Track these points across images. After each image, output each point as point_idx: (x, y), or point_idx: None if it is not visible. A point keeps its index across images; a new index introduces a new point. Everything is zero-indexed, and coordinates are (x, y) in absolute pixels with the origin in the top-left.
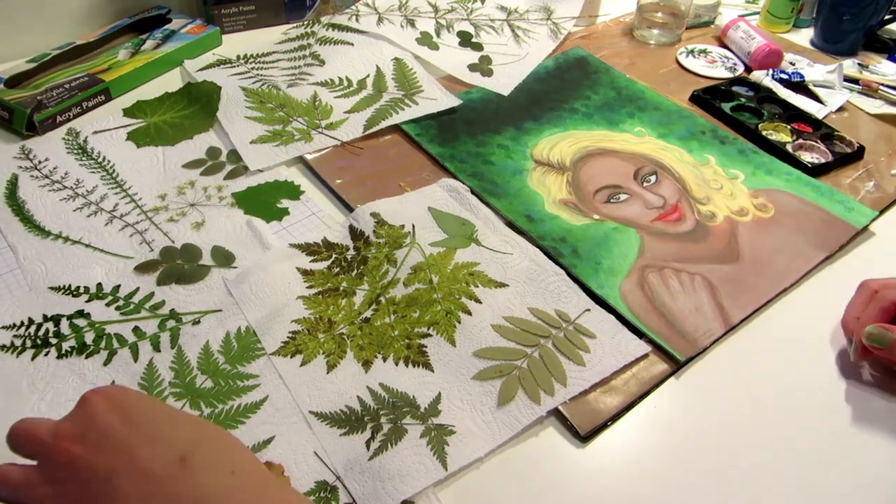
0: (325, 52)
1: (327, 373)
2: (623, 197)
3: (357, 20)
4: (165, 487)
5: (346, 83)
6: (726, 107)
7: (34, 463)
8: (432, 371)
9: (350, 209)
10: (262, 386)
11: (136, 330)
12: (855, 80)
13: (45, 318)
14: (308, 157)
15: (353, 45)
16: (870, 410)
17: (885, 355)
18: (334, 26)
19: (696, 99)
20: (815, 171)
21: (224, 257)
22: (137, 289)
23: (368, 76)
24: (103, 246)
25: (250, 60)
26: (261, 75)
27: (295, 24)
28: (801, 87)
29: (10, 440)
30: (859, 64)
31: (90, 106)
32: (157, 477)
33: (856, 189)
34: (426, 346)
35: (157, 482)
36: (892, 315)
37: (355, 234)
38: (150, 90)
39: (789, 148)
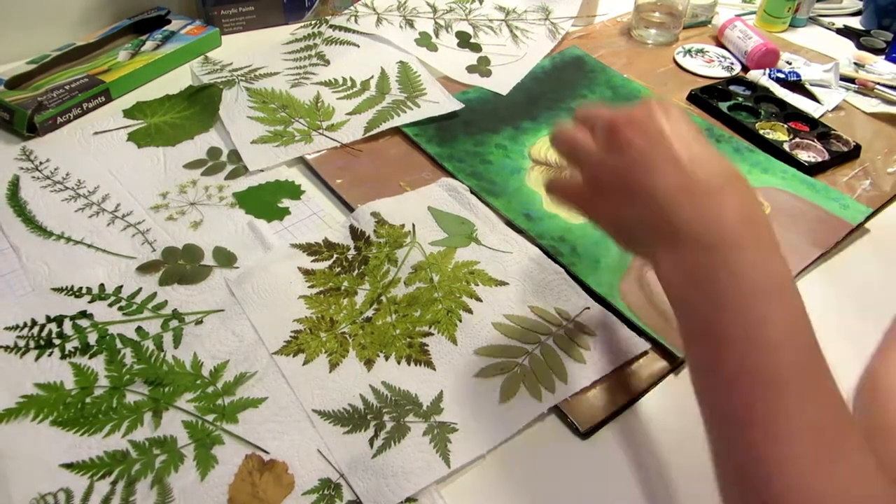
0: (330, 52)
1: (330, 372)
2: None
3: (356, 21)
4: (695, 205)
5: (349, 83)
6: (723, 106)
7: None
8: (434, 369)
9: (350, 209)
10: (265, 385)
11: (139, 330)
12: (851, 80)
13: (48, 319)
14: (308, 157)
15: (358, 46)
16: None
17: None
18: (340, 27)
19: (693, 98)
20: (812, 169)
21: (226, 257)
22: (140, 289)
23: (372, 77)
24: (105, 246)
25: (254, 72)
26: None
27: (302, 24)
28: (797, 86)
29: (577, 115)
30: (855, 63)
31: (90, 107)
32: (690, 192)
33: (852, 187)
34: (428, 345)
35: (690, 196)
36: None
37: (356, 233)
38: (151, 91)
39: (786, 147)
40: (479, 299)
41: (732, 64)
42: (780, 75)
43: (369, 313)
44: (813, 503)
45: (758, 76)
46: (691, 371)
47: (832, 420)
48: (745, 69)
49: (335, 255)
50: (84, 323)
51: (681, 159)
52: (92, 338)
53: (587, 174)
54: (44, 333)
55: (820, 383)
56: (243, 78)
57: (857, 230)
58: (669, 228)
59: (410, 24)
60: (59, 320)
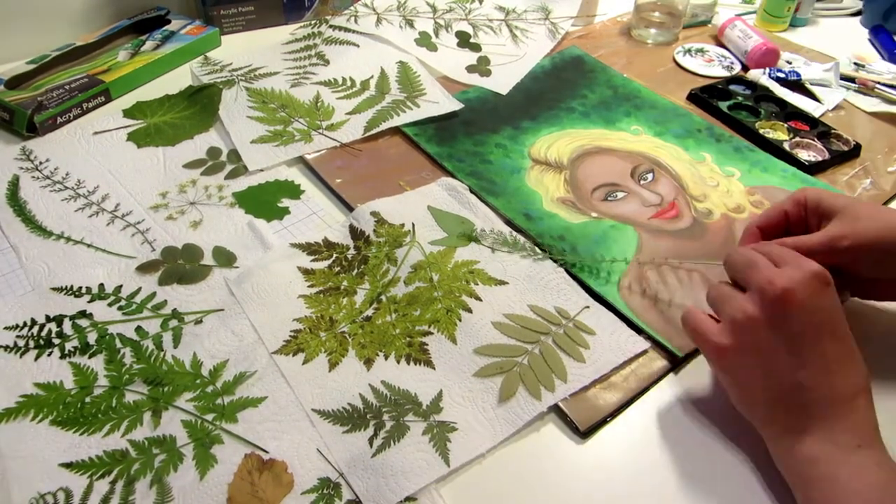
0: (330, 52)
1: (329, 371)
2: (620, 195)
3: (356, 21)
4: (829, 405)
5: (349, 83)
6: (723, 105)
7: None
8: (434, 368)
9: (350, 208)
10: (265, 384)
11: (138, 330)
12: (851, 79)
13: (48, 319)
14: (308, 156)
15: (358, 46)
16: None
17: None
18: (340, 27)
19: (693, 98)
20: (812, 168)
21: (225, 257)
22: (139, 289)
23: (372, 77)
24: (105, 246)
25: (254, 72)
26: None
27: (302, 24)
28: (797, 85)
29: (727, 261)
30: (856, 63)
31: (90, 107)
32: (832, 389)
33: (853, 187)
34: (427, 344)
35: (829, 396)
36: (758, 240)
37: (356, 233)
38: (150, 91)
39: (786, 146)
40: (478, 298)
41: (732, 63)
42: (781, 75)
43: (369, 312)
44: None
45: (758, 76)
46: None
47: None
48: (745, 69)
49: (335, 255)
50: (84, 323)
51: (833, 357)
52: (91, 337)
53: (732, 324)
54: (43, 333)
55: None
56: (243, 78)
57: None
58: (806, 416)
59: (410, 23)
60: (58, 320)
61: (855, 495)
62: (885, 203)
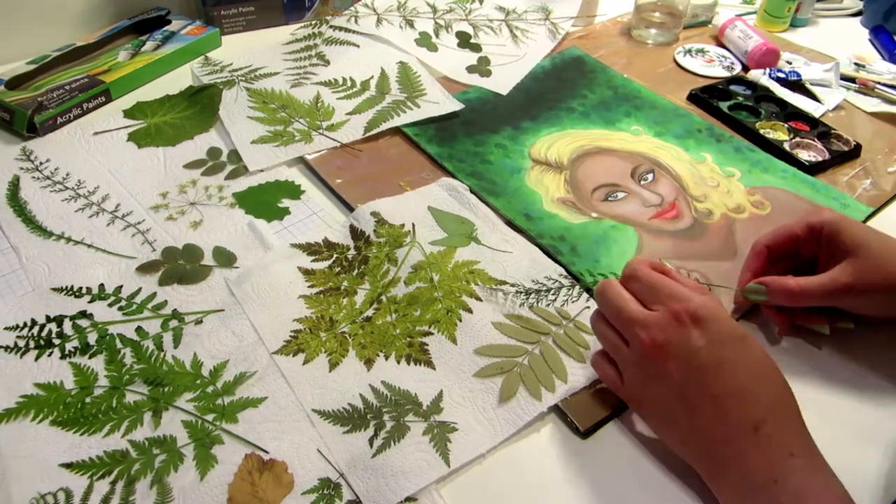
0: (330, 52)
1: (329, 371)
2: (620, 195)
3: (356, 21)
4: (734, 446)
5: (349, 83)
6: (724, 106)
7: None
8: (434, 369)
9: (350, 209)
10: (265, 384)
11: (139, 330)
12: (851, 79)
13: (48, 319)
14: (308, 157)
15: (358, 46)
16: (863, 391)
17: (769, 305)
18: (340, 27)
19: (693, 98)
20: (812, 168)
21: (225, 257)
22: (140, 289)
23: (372, 77)
24: (105, 246)
25: (254, 72)
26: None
27: (303, 25)
28: (798, 85)
29: (598, 295)
30: (856, 63)
31: (90, 107)
32: (729, 428)
33: (853, 187)
34: (427, 345)
35: (726, 437)
36: (765, 260)
37: (356, 233)
38: (151, 91)
39: (786, 146)
40: (478, 299)
41: (733, 64)
42: (781, 75)
43: (369, 313)
44: None
45: (758, 76)
46: None
47: None
48: (746, 69)
49: (335, 255)
50: (84, 323)
51: (722, 396)
52: (92, 338)
53: (629, 381)
54: (44, 333)
55: None
56: (243, 78)
57: None
58: (711, 464)
59: (410, 24)
60: (58, 320)
61: None
62: (886, 203)
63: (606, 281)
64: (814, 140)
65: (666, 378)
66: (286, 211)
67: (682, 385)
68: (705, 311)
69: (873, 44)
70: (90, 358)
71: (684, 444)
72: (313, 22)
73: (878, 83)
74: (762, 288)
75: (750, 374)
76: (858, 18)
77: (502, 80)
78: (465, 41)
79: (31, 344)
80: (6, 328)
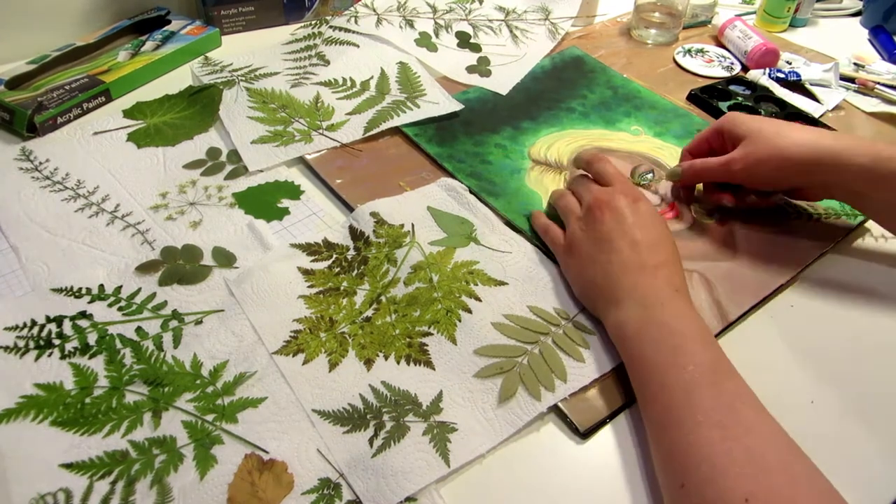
0: (330, 53)
1: (329, 371)
2: None
3: (356, 21)
4: (641, 276)
5: (349, 83)
6: (723, 106)
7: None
8: (433, 369)
9: (350, 209)
10: (265, 384)
11: (138, 330)
12: (851, 79)
13: (48, 319)
14: (308, 157)
15: (358, 46)
16: (862, 396)
17: (680, 185)
18: (340, 28)
19: (693, 98)
20: None
21: (225, 258)
22: (139, 289)
23: (372, 77)
24: (105, 247)
25: (254, 72)
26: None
27: (302, 25)
28: (797, 85)
29: (578, 162)
30: (855, 63)
31: (90, 107)
32: (638, 267)
33: None
34: (427, 345)
35: (638, 270)
36: (710, 145)
37: (355, 233)
38: (150, 91)
39: None
40: (478, 299)
41: (732, 64)
42: (780, 75)
43: (369, 313)
44: (720, 472)
45: (758, 76)
46: (635, 390)
47: (733, 415)
48: (745, 69)
49: (335, 255)
50: (84, 323)
51: (638, 243)
52: (91, 338)
53: (568, 232)
54: (43, 334)
55: (723, 388)
56: (243, 78)
57: (857, 230)
58: (620, 292)
59: (410, 24)
60: (58, 320)
61: (653, 344)
62: None
63: (592, 154)
64: None
65: (601, 224)
66: (286, 211)
67: (611, 230)
68: (641, 195)
69: (873, 44)
70: (90, 358)
71: (594, 278)
72: (313, 22)
73: (878, 83)
74: (678, 169)
75: (659, 235)
76: (858, 18)
77: (502, 80)
78: (464, 41)
79: (31, 344)
80: (6, 328)
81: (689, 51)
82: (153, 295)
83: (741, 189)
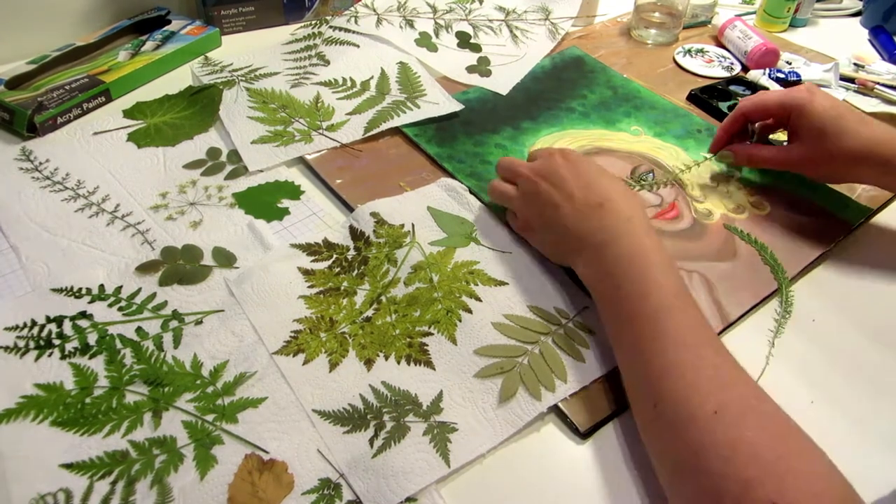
0: (330, 53)
1: (329, 371)
2: None
3: (356, 21)
4: (588, 220)
5: (349, 83)
6: (723, 106)
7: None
8: (434, 369)
9: (350, 209)
10: (265, 385)
11: (139, 330)
12: (851, 80)
13: (48, 320)
14: (308, 157)
15: (358, 46)
16: (862, 396)
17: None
18: (340, 28)
19: (693, 98)
20: None
21: (225, 258)
22: (139, 289)
23: (372, 78)
24: (105, 247)
25: (254, 72)
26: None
27: (303, 25)
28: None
29: (499, 167)
30: (855, 63)
31: (90, 107)
32: (583, 213)
33: (852, 187)
34: (427, 345)
35: (583, 215)
36: (741, 124)
37: (355, 234)
38: (150, 91)
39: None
40: (478, 299)
41: (732, 64)
42: (780, 75)
43: (369, 313)
44: (691, 386)
45: (758, 76)
46: (606, 329)
47: (698, 336)
48: (745, 69)
49: (335, 256)
50: (84, 323)
51: (574, 193)
52: (92, 338)
53: (518, 216)
54: (43, 334)
55: (687, 311)
56: (243, 78)
57: (857, 230)
58: (577, 241)
59: (410, 24)
60: (58, 321)
61: (614, 278)
62: (885, 204)
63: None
64: None
65: (538, 195)
66: (286, 211)
67: (550, 193)
68: (555, 150)
69: (873, 44)
70: (90, 358)
71: (560, 236)
72: (313, 22)
73: (878, 83)
74: (730, 154)
75: (590, 176)
76: (858, 18)
77: (502, 81)
78: (465, 41)
79: (31, 344)
80: (6, 328)
81: (689, 51)
82: (153, 295)
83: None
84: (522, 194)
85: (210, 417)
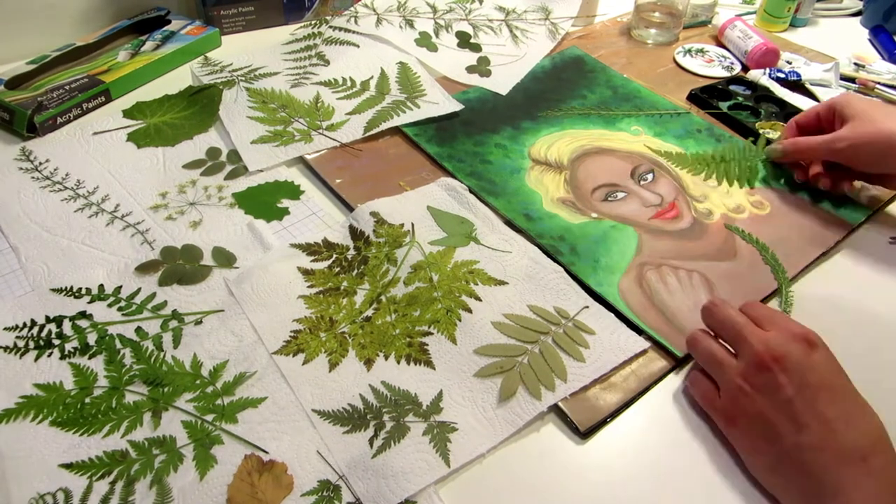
0: (330, 52)
1: (329, 371)
2: (620, 195)
3: (356, 21)
4: (840, 468)
5: (349, 83)
6: (724, 106)
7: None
8: (434, 369)
9: (350, 209)
10: (265, 385)
11: (138, 330)
12: (851, 79)
13: (48, 320)
14: (308, 157)
15: (358, 46)
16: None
17: (790, 162)
18: (340, 28)
19: (693, 98)
20: None
21: (225, 258)
22: (139, 289)
23: (372, 77)
24: (104, 247)
25: (254, 72)
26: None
27: (302, 25)
28: (797, 85)
29: (710, 315)
30: (856, 63)
31: (90, 107)
32: (839, 455)
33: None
34: (427, 345)
35: (838, 461)
36: (795, 133)
37: (355, 233)
38: (150, 91)
39: None
40: (478, 299)
41: (732, 64)
42: (781, 75)
43: (369, 313)
44: None
45: (758, 76)
46: None
47: None
48: (745, 69)
49: (334, 255)
50: (83, 323)
51: (829, 419)
52: (91, 338)
53: (729, 393)
54: (43, 334)
55: None
56: (243, 78)
57: (857, 230)
58: (817, 488)
59: (410, 24)
60: (58, 321)
61: None
62: (885, 204)
63: (713, 300)
64: None
65: (776, 391)
66: (286, 211)
67: (791, 400)
68: (819, 339)
69: (873, 44)
70: (90, 358)
71: (780, 463)
72: (313, 22)
73: (878, 83)
74: (779, 146)
75: (857, 406)
76: (858, 18)
77: (502, 80)
78: (464, 41)
79: (31, 344)
80: (6, 328)
81: (689, 51)
82: (153, 295)
83: (839, 172)
84: (748, 374)
85: (210, 417)
